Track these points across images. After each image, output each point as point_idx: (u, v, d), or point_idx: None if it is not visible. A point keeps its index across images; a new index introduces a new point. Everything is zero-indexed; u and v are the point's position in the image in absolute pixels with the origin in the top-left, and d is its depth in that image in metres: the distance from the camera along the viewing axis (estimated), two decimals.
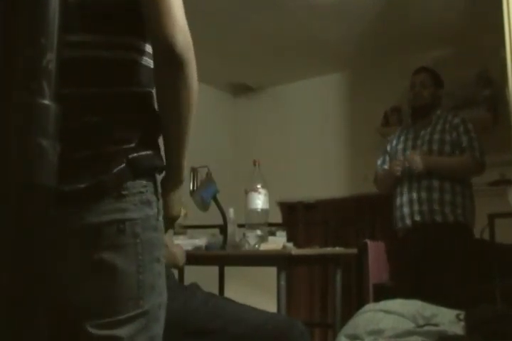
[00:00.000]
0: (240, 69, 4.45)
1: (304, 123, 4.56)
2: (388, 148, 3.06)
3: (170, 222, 1.13)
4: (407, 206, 2.79)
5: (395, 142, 3.03)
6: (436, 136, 2.84)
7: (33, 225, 0.56)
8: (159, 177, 1.02)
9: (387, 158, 3.04)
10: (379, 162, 3.08)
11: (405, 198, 2.80)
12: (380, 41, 3.81)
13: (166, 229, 1.11)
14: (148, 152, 0.97)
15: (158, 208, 1.00)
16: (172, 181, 1.08)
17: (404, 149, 2.93)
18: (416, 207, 2.76)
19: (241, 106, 5.01)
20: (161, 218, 1.01)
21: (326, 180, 4.28)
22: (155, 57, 0.96)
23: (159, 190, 1.01)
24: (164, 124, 1.00)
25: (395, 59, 4.00)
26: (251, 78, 4.69)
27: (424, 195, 2.75)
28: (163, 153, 1.04)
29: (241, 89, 4.92)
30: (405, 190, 2.82)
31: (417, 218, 2.74)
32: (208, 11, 3.34)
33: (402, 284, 2.77)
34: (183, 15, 0.95)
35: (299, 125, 4.57)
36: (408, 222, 2.77)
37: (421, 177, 2.76)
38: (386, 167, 3.00)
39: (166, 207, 1.07)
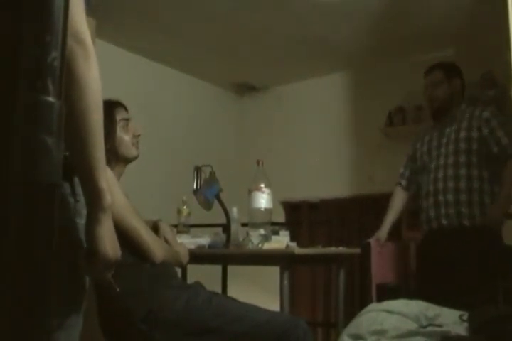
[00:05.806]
0: (244, 68, 4.45)
1: (308, 122, 4.56)
2: (411, 151, 2.93)
3: (96, 260, 0.95)
4: (432, 209, 2.68)
5: (419, 144, 2.88)
6: (462, 134, 2.66)
7: (38, 224, 0.56)
8: (77, 180, 0.97)
9: (409, 164, 2.93)
10: (401, 170, 2.96)
11: (431, 200, 2.69)
12: (384, 41, 3.80)
13: (88, 270, 0.99)
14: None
15: (75, 209, 0.98)
16: (93, 206, 0.94)
17: (429, 150, 2.78)
18: (443, 211, 2.64)
19: (245, 106, 5.01)
20: (78, 220, 0.98)
21: (330, 179, 4.28)
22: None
23: (78, 191, 0.98)
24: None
25: (399, 59, 3.99)
26: (255, 78, 4.69)
27: (450, 197, 2.62)
28: None
29: (245, 89, 4.92)
30: (431, 192, 2.70)
31: (444, 222, 2.64)
32: (211, 11, 3.35)
33: (424, 286, 2.68)
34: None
35: (303, 125, 4.57)
36: (435, 225, 2.68)
37: (446, 178, 2.64)
38: (407, 173, 2.92)
39: (91, 240, 0.94)
